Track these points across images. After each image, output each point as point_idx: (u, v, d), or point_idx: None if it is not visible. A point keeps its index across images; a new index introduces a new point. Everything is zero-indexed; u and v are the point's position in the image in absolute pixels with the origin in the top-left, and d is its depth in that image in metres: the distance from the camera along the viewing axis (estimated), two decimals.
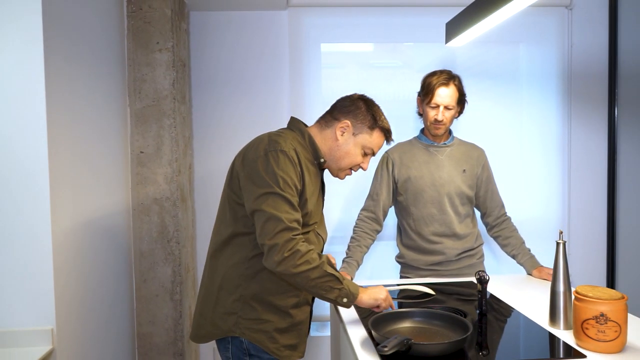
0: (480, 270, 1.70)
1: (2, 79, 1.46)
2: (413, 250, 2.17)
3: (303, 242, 1.45)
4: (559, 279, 1.54)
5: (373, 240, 2.21)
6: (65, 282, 1.62)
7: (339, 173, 1.68)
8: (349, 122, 1.60)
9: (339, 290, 1.48)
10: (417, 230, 2.14)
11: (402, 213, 2.20)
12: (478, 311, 1.68)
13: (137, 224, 2.32)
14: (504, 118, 2.91)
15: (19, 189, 1.48)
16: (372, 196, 2.21)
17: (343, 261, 2.14)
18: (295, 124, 1.66)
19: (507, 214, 2.24)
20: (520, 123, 2.93)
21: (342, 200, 2.85)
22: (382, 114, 1.65)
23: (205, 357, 2.82)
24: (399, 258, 2.25)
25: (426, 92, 2.10)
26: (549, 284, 1.98)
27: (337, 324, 1.83)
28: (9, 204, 1.48)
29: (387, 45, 2.90)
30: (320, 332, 2.96)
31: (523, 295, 1.88)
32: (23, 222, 1.48)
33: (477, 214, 2.29)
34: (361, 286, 1.58)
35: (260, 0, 2.62)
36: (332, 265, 1.55)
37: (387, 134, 1.66)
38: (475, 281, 1.72)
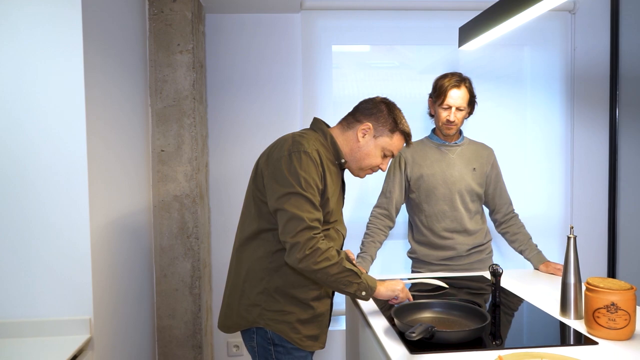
0: (494, 264, 1.79)
1: (47, 81, 1.54)
2: (425, 246, 2.26)
3: (323, 240, 1.52)
4: (569, 271, 1.63)
5: (386, 236, 2.30)
6: (101, 275, 1.69)
7: (359, 173, 1.75)
8: (370, 124, 1.67)
9: (357, 285, 1.55)
10: (429, 227, 2.23)
11: (414, 210, 2.28)
12: (492, 302, 1.77)
13: (157, 220, 2.39)
14: (508, 119, 3.00)
15: (60, 186, 1.55)
16: (385, 194, 2.29)
17: (358, 256, 2.22)
18: (317, 125, 1.73)
19: (515, 211, 2.33)
20: (524, 124, 3.02)
21: (352, 198, 2.93)
22: (403, 117, 1.72)
23: (220, 349, 2.90)
24: (411, 253, 2.34)
25: (438, 94, 2.18)
26: (556, 277, 2.08)
27: (355, 316, 1.91)
28: (52, 200, 1.55)
29: (395, 47, 2.98)
30: (333, 327, 3.03)
31: (532, 288, 1.97)
32: (64, 218, 1.56)
33: (486, 210, 2.38)
34: (378, 279, 1.67)
35: (274, 3, 2.69)
36: (351, 261, 1.63)
37: (407, 138, 1.72)
38: (489, 275, 1.81)
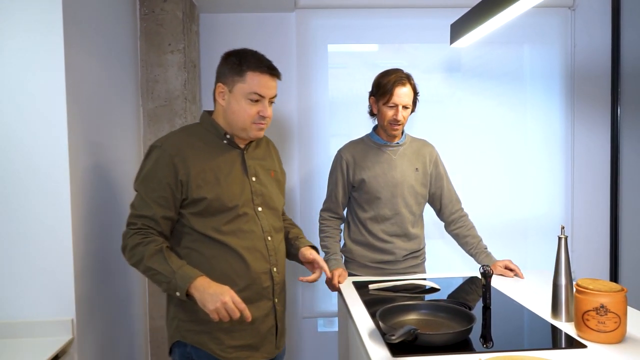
0: (484, 265, 1.75)
1: (24, 76, 1.53)
2: (362, 247, 2.17)
3: (138, 235, 1.45)
4: (560, 272, 1.58)
5: (341, 233, 2.27)
6: (84, 275, 1.68)
7: (248, 133, 1.56)
8: (220, 83, 1.54)
9: (167, 284, 1.41)
10: (369, 228, 2.15)
11: (355, 209, 2.20)
12: (482, 305, 1.73)
13: None
14: (507, 117, 2.96)
15: (40, 185, 1.54)
16: (331, 197, 2.22)
17: (329, 260, 2.17)
18: (201, 115, 1.64)
19: (464, 211, 2.25)
20: (523, 122, 2.98)
21: None
22: (252, 54, 1.53)
23: None
24: (346, 252, 2.24)
25: (383, 92, 2.08)
26: (550, 278, 2.03)
27: (346, 318, 1.88)
28: (31, 199, 1.54)
29: (392, 46, 2.95)
30: (328, 328, 3.01)
31: (524, 289, 1.93)
32: (44, 218, 1.55)
33: (426, 217, 2.29)
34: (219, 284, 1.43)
35: (268, 2, 2.67)
36: (170, 256, 1.44)
37: (261, 69, 1.51)
38: (480, 275, 1.77)
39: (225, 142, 1.57)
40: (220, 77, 1.55)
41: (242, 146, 1.60)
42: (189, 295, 1.39)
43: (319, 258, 1.69)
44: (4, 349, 1.47)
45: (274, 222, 1.62)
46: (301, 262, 1.75)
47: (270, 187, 1.64)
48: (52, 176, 1.55)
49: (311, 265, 1.72)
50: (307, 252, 1.70)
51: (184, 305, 1.49)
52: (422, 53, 2.93)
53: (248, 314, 1.39)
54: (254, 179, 1.59)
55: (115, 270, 2.03)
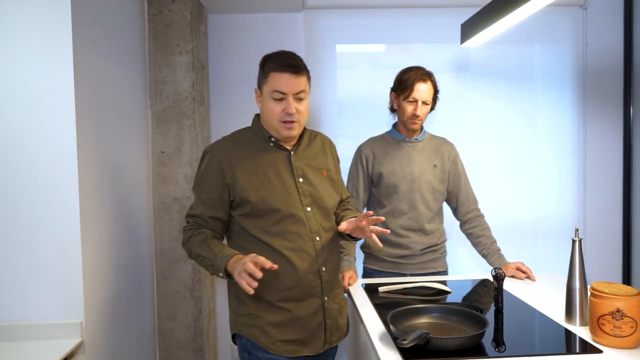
0: (496, 268, 1.73)
1: (33, 77, 1.53)
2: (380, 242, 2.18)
3: (190, 229, 1.60)
4: (575, 275, 1.56)
5: None
6: (93, 278, 1.68)
7: (279, 132, 1.60)
8: (256, 89, 1.66)
9: (211, 267, 1.52)
10: (386, 224, 2.15)
11: (374, 204, 2.22)
12: (494, 308, 1.71)
13: (157, 222, 2.38)
14: (518, 118, 2.93)
15: (49, 187, 1.54)
16: (352, 194, 2.22)
17: (342, 259, 2.15)
18: (253, 119, 1.72)
19: (480, 211, 2.25)
20: (535, 122, 2.94)
21: None
22: (276, 55, 1.61)
23: (224, 353, 2.88)
24: (364, 248, 2.28)
25: (404, 87, 2.11)
26: (564, 281, 2.00)
27: (356, 321, 1.86)
28: (39, 201, 1.54)
29: (400, 46, 2.93)
30: None
31: (537, 292, 1.90)
32: (53, 220, 1.54)
33: (446, 212, 2.29)
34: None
35: (276, 2, 2.66)
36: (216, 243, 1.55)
37: (280, 68, 1.55)
38: (492, 278, 1.74)
39: (271, 144, 1.64)
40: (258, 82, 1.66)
41: (288, 147, 1.65)
42: (229, 274, 1.47)
43: (356, 219, 1.55)
44: (13, 351, 1.47)
45: (323, 222, 1.64)
46: (353, 238, 1.65)
47: (321, 187, 1.66)
48: (61, 178, 1.54)
49: (360, 231, 1.56)
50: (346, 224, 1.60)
51: (238, 298, 1.60)
52: (430, 53, 2.90)
53: (270, 264, 1.39)
54: (300, 180, 1.63)
55: (124, 272, 2.02)
